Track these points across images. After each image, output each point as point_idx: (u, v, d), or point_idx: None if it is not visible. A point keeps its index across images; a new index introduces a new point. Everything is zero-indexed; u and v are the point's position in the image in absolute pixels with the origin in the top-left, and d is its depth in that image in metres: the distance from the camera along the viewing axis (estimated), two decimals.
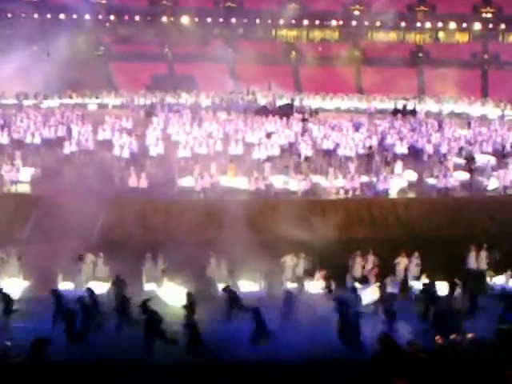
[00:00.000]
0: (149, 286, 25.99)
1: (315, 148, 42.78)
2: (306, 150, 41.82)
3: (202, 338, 20.84)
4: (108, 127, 45.96)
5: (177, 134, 45.10)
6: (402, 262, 27.53)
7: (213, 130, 46.27)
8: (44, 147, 42.64)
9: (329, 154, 42.12)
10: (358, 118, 53.42)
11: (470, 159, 40.72)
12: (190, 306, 22.55)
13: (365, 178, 37.26)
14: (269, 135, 45.02)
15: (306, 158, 40.79)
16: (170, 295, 24.75)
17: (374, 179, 36.91)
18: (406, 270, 27.44)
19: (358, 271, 27.45)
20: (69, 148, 40.93)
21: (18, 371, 16.97)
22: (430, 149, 43.00)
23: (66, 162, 39.60)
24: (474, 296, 24.18)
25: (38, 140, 43.02)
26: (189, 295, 22.95)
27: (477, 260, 28.15)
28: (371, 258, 27.54)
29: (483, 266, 28.04)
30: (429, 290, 24.71)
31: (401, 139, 44.38)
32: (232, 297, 23.63)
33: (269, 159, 40.08)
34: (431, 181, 37.74)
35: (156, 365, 19.52)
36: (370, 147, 42.46)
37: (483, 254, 28.14)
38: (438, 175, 37.18)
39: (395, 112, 58.29)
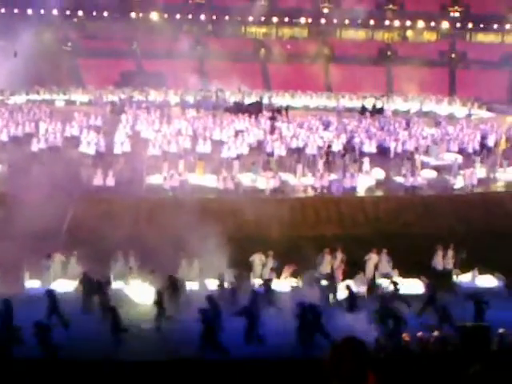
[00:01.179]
0: (116, 284, 25.93)
1: (285, 146, 42.79)
2: (277, 148, 41.87)
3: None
4: (76, 124, 45.66)
5: (146, 131, 44.98)
6: (372, 258, 27.67)
7: (181, 127, 46.21)
8: (11, 144, 42.29)
9: (298, 152, 42.22)
10: (327, 117, 53.50)
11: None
12: (160, 304, 22.67)
13: (332, 176, 37.38)
14: (237, 133, 45.04)
15: (275, 157, 40.90)
16: (138, 293, 24.75)
17: (341, 177, 37.06)
18: (376, 267, 27.61)
19: (326, 268, 27.56)
20: (36, 145, 40.66)
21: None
22: (397, 147, 43.27)
23: (33, 159, 39.24)
24: (433, 295, 24.48)
25: (4, 137, 42.69)
26: (158, 293, 23.00)
27: (444, 259, 28.35)
28: (339, 256, 27.66)
29: (450, 265, 28.26)
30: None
31: (369, 138, 44.62)
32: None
33: (237, 157, 40.07)
34: (399, 179, 38.00)
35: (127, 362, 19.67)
36: (329, 146, 42.65)
37: (450, 253, 28.36)
38: (405, 174, 37.42)
39: (363, 110, 58.54)
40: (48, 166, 36.86)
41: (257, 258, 27.28)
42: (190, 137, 43.73)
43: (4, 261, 25.83)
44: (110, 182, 35.18)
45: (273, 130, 47.25)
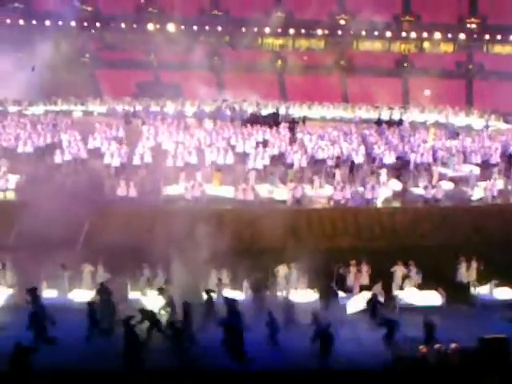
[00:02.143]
0: (133, 295, 25.96)
1: (305, 157, 42.57)
2: (297, 159, 41.73)
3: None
4: (98, 135, 45.59)
5: (164, 142, 44.97)
6: (398, 270, 27.63)
7: (199, 138, 46.21)
8: (35, 155, 42.32)
9: (317, 163, 42.10)
10: (347, 128, 53.36)
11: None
12: (186, 315, 22.69)
13: (353, 188, 37.13)
14: (265, 144, 44.99)
15: (295, 168, 40.74)
16: (155, 305, 24.75)
17: (361, 189, 36.88)
18: (403, 278, 27.54)
19: (351, 280, 27.55)
20: (60, 156, 40.64)
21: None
22: (416, 158, 42.97)
23: (57, 170, 39.32)
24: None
25: (29, 148, 42.73)
26: (185, 305, 23.04)
27: (467, 271, 28.25)
28: (365, 268, 27.65)
29: (472, 277, 28.13)
30: None
31: (389, 149, 44.40)
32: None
33: (263, 168, 40.19)
34: (418, 190, 37.79)
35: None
36: (338, 157, 42.55)
37: (474, 264, 28.27)
38: (426, 185, 37.07)
39: (379, 122, 58.47)
40: (71, 176, 37.00)
41: (281, 269, 27.26)
42: (206, 148, 43.60)
43: (22, 271, 26.10)
44: (133, 192, 35.16)
45: (292, 141, 47.20)
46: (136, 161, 40.83)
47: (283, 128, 51.33)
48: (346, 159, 42.70)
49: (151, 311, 23.12)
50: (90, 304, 23.18)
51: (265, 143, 45.45)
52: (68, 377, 19.66)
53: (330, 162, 41.78)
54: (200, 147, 43.88)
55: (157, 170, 39.06)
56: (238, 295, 25.86)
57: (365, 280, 27.47)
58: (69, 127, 48.84)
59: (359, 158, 42.78)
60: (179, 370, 20.29)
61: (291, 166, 41.30)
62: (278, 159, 43.27)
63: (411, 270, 27.49)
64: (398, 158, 43.56)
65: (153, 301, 24.96)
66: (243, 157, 42.60)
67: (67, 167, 40.21)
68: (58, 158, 40.59)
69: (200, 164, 40.47)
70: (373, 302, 24.69)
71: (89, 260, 27.08)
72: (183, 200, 35.08)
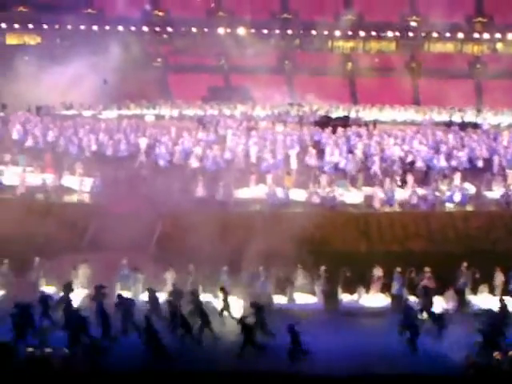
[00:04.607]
0: (205, 297, 26.15)
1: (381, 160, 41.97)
2: (373, 162, 41.18)
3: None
4: (186, 138, 45.66)
5: (235, 145, 44.91)
6: (499, 276, 27.22)
7: (271, 141, 46.08)
8: (112, 159, 42.55)
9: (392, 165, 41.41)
10: (418, 130, 52.56)
11: None
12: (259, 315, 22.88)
13: (425, 191, 36.61)
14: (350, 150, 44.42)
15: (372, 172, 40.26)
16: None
17: (434, 192, 36.25)
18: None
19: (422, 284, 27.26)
20: (138, 159, 41.04)
21: None
22: (494, 162, 42.02)
23: (134, 172, 39.47)
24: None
25: (108, 152, 42.79)
26: (254, 305, 23.18)
27: None
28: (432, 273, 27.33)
29: None
30: None
31: (464, 152, 43.52)
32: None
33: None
34: (492, 194, 37.06)
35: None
36: (412, 161, 41.80)
37: None
38: (507, 190, 36.20)
39: (450, 124, 57.56)
40: (148, 179, 37.18)
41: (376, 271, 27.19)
42: (280, 150, 43.41)
43: (96, 273, 26.57)
44: (207, 194, 35.27)
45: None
46: (209, 163, 40.81)
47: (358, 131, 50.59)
48: (418, 162, 42.00)
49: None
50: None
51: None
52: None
53: (403, 165, 41.15)
54: (271, 150, 43.70)
55: (228, 172, 39.09)
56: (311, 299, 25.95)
57: (432, 284, 27.08)
58: (146, 130, 48.89)
59: (433, 161, 42.06)
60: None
61: (365, 169, 40.79)
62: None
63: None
64: (470, 161, 42.75)
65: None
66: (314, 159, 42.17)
67: (144, 170, 40.27)
68: (135, 161, 40.83)
69: (271, 167, 40.30)
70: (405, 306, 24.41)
71: (161, 262, 27.40)
72: (256, 203, 35.13)
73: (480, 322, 22.32)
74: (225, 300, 24.85)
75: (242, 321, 22.38)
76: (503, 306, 24.24)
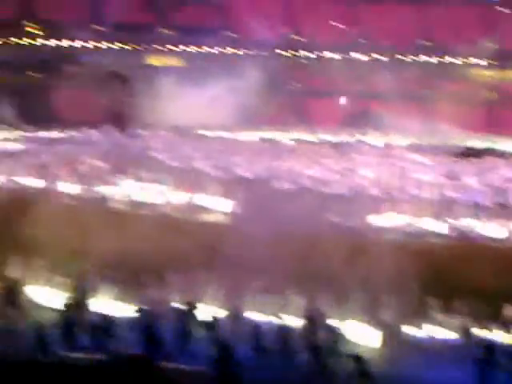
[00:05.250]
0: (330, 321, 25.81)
1: None
2: None
3: None
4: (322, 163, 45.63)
5: (372, 171, 44.48)
6: None
7: (407, 169, 45.45)
8: (253, 181, 42.44)
9: None
10: None
11: None
12: None
13: None
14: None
15: None
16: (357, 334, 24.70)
17: None
18: None
19: None
20: (279, 183, 40.92)
21: None
22: None
23: (273, 196, 39.33)
24: None
25: (248, 174, 42.56)
26: None
27: None
28: None
29: None
30: None
31: None
32: None
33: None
34: None
35: None
36: None
37: None
38: None
39: None
40: (288, 202, 37.11)
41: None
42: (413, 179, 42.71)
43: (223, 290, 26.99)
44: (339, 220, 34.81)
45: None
46: (342, 190, 40.45)
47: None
48: None
49: None
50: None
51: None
52: None
53: None
54: (407, 178, 43.06)
55: (361, 199, 38.65)
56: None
57: None
58: (286, 154, 49.01)
59: None
60: None
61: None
62: None
63: None
64: None
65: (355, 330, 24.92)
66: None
67: (281, 193, 40.11)
68: (276, 184, 40.83)
69: (406, 195, 39.62)
70: None
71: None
72: (390, 232, 34.57)
73: None
74: None
75: None
76: None
